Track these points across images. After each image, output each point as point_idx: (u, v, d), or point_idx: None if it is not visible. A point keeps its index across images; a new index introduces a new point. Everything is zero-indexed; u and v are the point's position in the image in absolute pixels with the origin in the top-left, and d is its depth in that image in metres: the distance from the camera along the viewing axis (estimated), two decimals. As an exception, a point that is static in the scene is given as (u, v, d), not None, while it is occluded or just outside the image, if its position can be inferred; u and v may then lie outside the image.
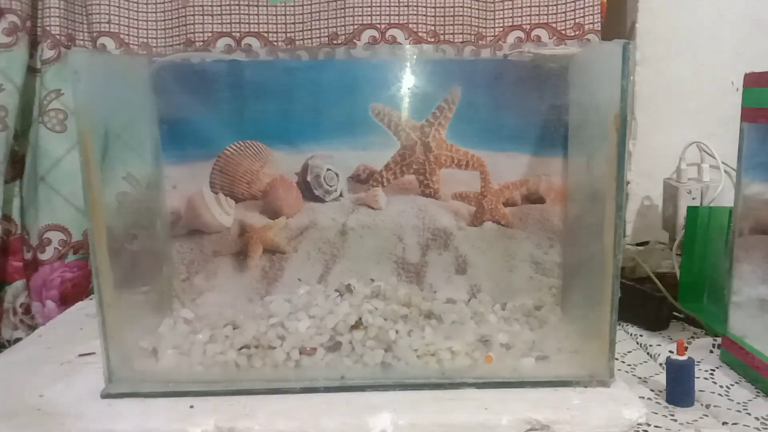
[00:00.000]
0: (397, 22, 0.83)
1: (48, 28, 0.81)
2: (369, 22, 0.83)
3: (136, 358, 0.59)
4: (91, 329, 0.65)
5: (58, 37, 0.82)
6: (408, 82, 0.65)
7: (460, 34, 0.82)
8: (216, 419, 0.51)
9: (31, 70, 0.82)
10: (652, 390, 0.57)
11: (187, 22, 0.82)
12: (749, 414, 0.53)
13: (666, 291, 0.74)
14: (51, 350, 0.66)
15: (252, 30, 0.83)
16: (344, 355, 0.57)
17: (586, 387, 0.55)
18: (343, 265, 0.69)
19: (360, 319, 0.59)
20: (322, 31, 0.85)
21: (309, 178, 0.68)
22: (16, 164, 0.81)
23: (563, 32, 0.83)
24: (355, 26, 0.83)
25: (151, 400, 0.54)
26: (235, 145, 0.68)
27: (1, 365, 0.63)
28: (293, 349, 0.58)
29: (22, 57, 0.78)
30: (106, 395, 0.55)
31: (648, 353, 0.66)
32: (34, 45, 0.81)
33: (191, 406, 0.53)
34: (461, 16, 0.81)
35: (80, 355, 0.64)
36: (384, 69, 0.65)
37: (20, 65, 0.78)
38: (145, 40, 0.83)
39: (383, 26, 0.83)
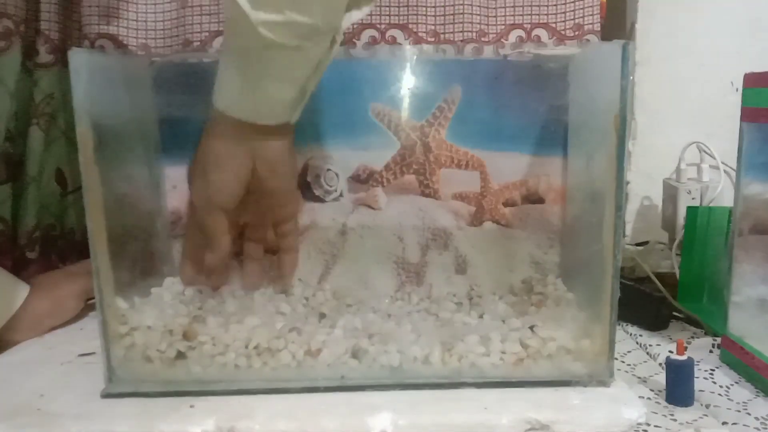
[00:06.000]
0: (397, 22, 0.83)
1: (45, 32, 0.81)
2: (369, 21, 0.83)
3: (136, 358, 0.59)
4: (91, 329, 0.65)
5: (54, 41, 0.82)
6: (408, 82, 0.65)
7: (461, 32, 0.81)
8: (216, 419, 0.51)
9: (28, 73, 0.81)
10: (651, 390, 0.57)
11: (186, 23, 0.82)
12: (749, 414, 0.53)
13: (666, 291, 0.74)
14: (51, 350, 0.66)
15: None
16: (344, 355, 0.57)
17: (586, 387, 0.55)
18: (343, 265, 0.69)
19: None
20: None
21: (309, 178, 0.68)
22: (10, 166, 0.81)
23: (563, 32, 0.83)
24: (355, 26, 0.83)
25: (151, 400, 0.54)
26: (235, 145, 0.67)
27: (1, 365, 0.63)
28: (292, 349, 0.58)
29: (15, 61, 0.78)
30: (106, 395, 0.55)
31: (648, 353, 0.66)
32: (30, 48, 0.81)
33: (191, 406, 0.53)
34: (461, 14, 0.81)
35: (80, 355, 0.64)
36: (384, 69, 0.65)
37: (13, 70, 0.78)
38: (144, 41, 0.83)
39: (383, 26, 0.83)
